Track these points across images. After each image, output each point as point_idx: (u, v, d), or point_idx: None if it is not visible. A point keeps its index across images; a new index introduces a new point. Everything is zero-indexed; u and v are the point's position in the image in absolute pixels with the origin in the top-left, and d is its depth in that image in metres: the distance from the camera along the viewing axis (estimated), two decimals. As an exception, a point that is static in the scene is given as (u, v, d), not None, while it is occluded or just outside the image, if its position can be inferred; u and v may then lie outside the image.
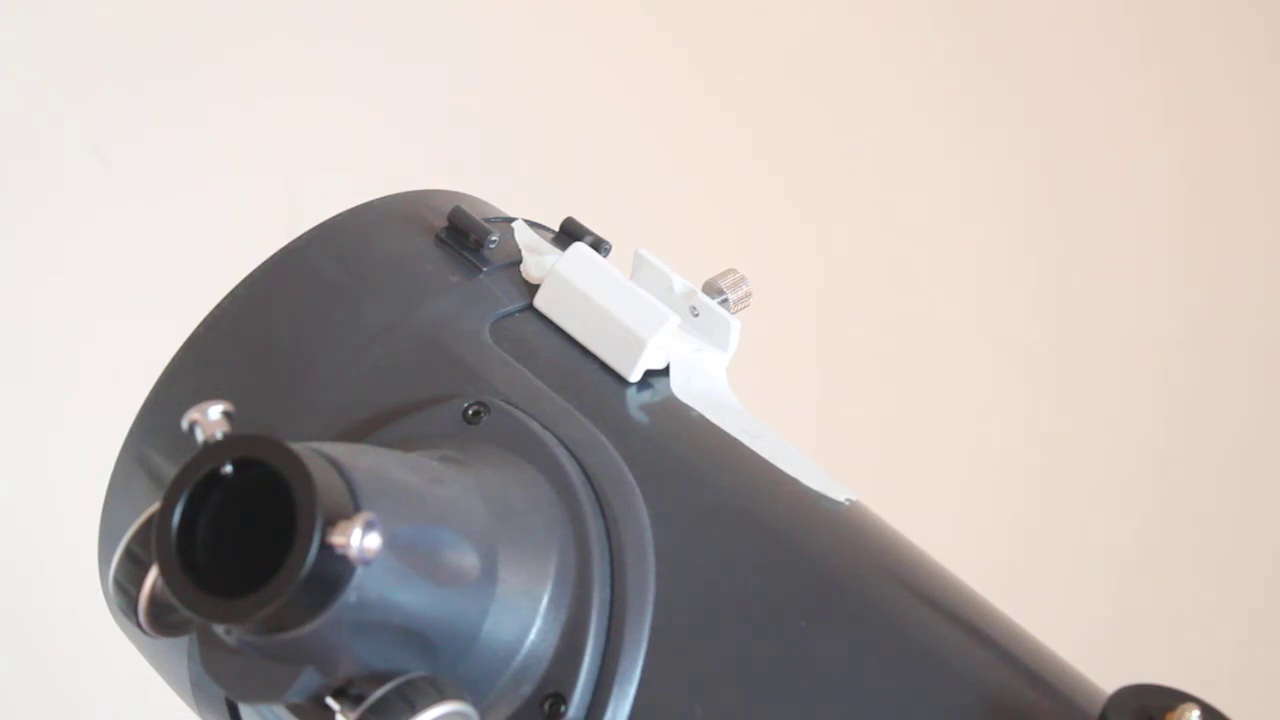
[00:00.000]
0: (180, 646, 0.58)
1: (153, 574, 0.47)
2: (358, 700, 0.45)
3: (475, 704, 0.47)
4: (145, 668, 0.63)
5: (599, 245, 0.64)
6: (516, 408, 0.56)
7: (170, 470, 0.49)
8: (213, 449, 0.45)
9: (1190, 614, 1.52)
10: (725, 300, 0.63)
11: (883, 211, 1.64)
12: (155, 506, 0.45)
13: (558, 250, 0.62)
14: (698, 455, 0.57)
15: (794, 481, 0.57)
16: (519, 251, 0.63)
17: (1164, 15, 1.73)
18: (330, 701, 0.46)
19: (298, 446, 0.44)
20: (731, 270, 0.64)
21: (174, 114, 1.51)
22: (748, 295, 0.63)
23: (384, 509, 0.44)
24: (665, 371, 0.60)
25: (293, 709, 0.47)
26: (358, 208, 0.64)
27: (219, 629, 0.46)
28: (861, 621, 0.53)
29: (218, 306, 0.60)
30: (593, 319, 0.59)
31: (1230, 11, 1.74)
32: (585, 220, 0.65)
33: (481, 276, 0.61)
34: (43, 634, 1.33)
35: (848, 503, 0.57)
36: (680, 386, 0.59)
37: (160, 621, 0.48)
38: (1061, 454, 1.58)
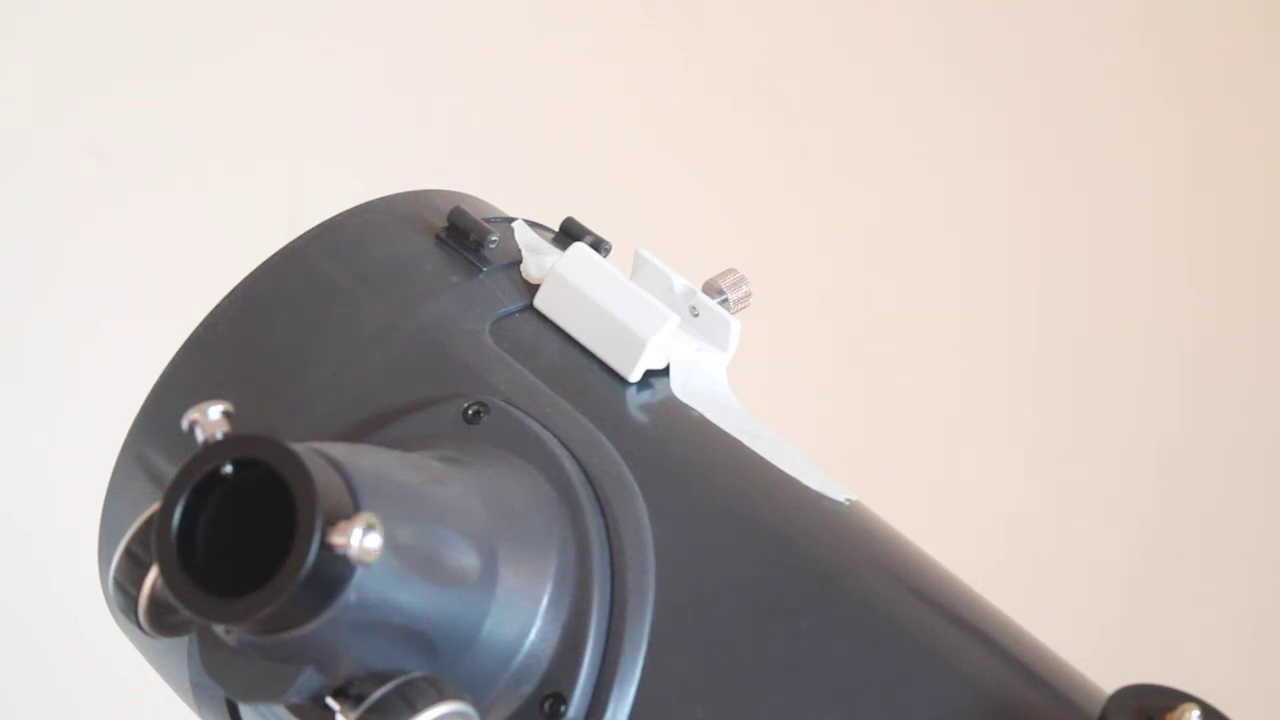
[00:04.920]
0: (180, 647, 0.58)
1: (153, 574, 0.47)
2: (358, 700, 0.45)
3: (475, 704, 0.47)
4: (145, 668, 0.63)
5: (599, 245, 0.64)
6: (516, 408, 0.56)
7: (170, 470, 0.49)
8: (213, 449, 0.45)
9: (1191, 614, 1.52)
10: (725, 300, 0.63)
11: (883, 211, 1.64)
12: (155, 506, 0.45)
13: (558, 250, 0.62)
14: (698, 455, 0.57)
15: (794, 481, 0.57)
16: (519, 251, 0.63)
17: (1167, 14, 1.73)
18: (330, 701, 0.46)
19: (298, 446, 0.44)
20: (731, 270, 0.64)
21: (173, 114, 1.51)
22: (748, 295, 0.63)
23: (384, 509, 0.44)
24: (665, 371, 0.60)
25: (293, 709, 0.47)
26: (357, 207, 0.64)
27: (219, 629, 0.46)
28: (862, 621, 0.53)
29: (217, 307, 0.61)
30: (593, 319, 0.59)
31: (1234, 10, 1.74)
32: (585, 220, 0.65)
33: (481, 276, 0.61)
34: (43, 634, 1.33)
35: (848, 503, 0.57)
36: (680, 386, 0.59)
37: (160, 621, 0.48)
38: (1062, 454, 1.58)
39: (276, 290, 0.61)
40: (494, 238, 0.62)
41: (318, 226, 0.62)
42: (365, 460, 0.46)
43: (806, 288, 1.59)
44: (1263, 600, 1.53)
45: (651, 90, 1.65)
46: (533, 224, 0.65)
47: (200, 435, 0.45)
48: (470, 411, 0.56)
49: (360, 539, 0.42)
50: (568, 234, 0.65)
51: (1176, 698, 0.48)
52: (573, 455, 0.55)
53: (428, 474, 0.50)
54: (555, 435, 0.55)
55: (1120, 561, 1.54)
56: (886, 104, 1.69)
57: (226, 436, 0.45)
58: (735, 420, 0.59)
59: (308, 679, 0.45)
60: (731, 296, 0.63)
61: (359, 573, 0.44)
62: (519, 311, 0.61)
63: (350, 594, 0.44)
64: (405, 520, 0.46)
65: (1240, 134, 1.70)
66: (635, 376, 0.59)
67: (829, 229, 1.63)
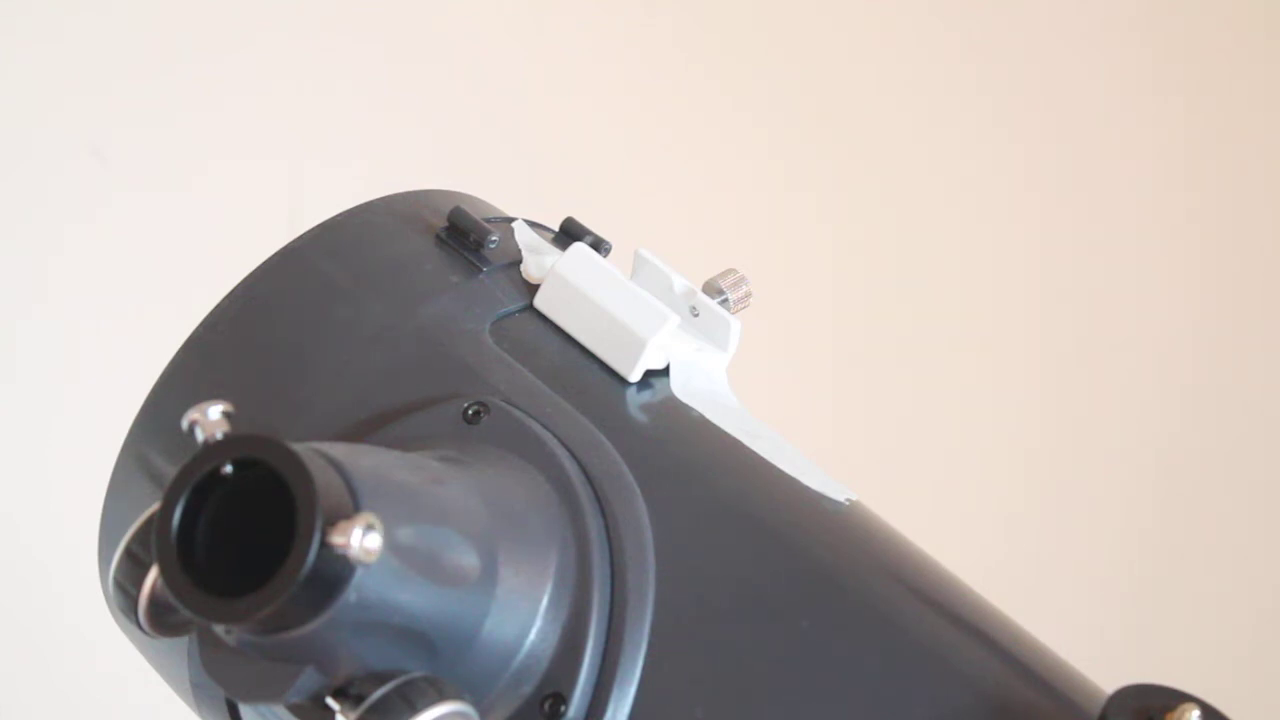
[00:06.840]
0: (180, 647, 0.58)
1: (153, 574, 0.47)
2: (358, 700, 0.45)
3: (475, 704, 0.47)
4: (145, 668, 0.63)
5: (599, 245, 0.64)
6: (516, 408, 0.56)
7: (170, 470, 0.49)
8: (213, 449, 0.45)
9: (1191, 614, 1.52)
10: (725, 300, 0.63)
11: (884, 211, 1.64)
12: (155, 506, 0.45)
13: (558, 250, 0.62)
14: (698, 455, 0.57)
15: (794, 481, 0.57)
16: (519, 251, 0.63)
17: (1167, 14, 1.73)
18: (330, 701, 0.46)
19: (298, 446, 0.44)
20: (731, 270, 0.64)
21: (173, 114, 1.51)
22: (748, 295, 0.63)
23: (384, 509, 0.44)
24: (665, 371, 0.60)
25: (293, 709, 0.47)
26: (357, 208, 0.64)
27: (219, 629, 0.46)
28: (862, 621, 0.53)
29: (217, 307, 0.61)
30: (593, 319, 0.59)
31: (1234, 10, 1.74)
32: (585, 220, 0.65)
33: (481, 276, 0.61)
34: (43, 634, 1.33)
35: (848, 503, 0.57)
36: (680, 386, 0.59)
37: (160, 622, 0.48)
38: (1062, 455, 1.58)
39: (276, 290, 0.61)
40: (494, 238, 0.62)
41: (318, 226, 0.62)
42: (365, 460, 0.46)
43: (806, 288, 1.59)
44: (1263, 600, 1.53)
45: (651, 90, 1.65)
46: (533, 224, 0.65)
47: (200, 435, 0.45)
48: (470, 411, 0.56)
49: (360, 539, 0.42)
50: (568, 234, 0.65)
51: (1176, 698, 0.48)
52: (573, 455, 0.55)
53: (428, 474, 0.50)
54: (555, 435, 0.55)
55: (1120, 562, 1.54)
56: (887, 103, 1.69)
57: (226, 436, 0.45)
58: (735, 420, 0.59)
59: (308, 679, 0.45)
60: (731, 296, 0.63)
61: (359, 573, 0.44)
62: (519, 311, 0.61)
63: (350, 594, 0.44)
64: (405, 520, 0.46)
65: (1240, 133, 1.70)
66: (635, 376, 0.59)
67: (829, 229, 1.63)
